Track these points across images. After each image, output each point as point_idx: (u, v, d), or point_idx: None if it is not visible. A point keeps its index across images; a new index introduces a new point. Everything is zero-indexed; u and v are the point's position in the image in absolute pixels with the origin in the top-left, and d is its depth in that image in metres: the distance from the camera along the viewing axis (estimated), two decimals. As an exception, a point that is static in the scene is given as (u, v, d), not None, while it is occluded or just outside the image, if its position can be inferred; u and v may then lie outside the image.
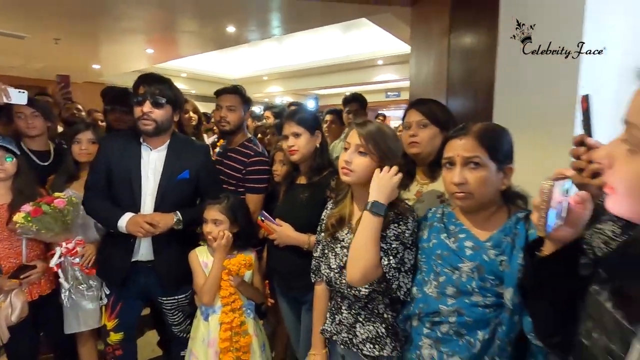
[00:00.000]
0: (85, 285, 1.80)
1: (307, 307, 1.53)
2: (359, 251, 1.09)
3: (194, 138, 2.28)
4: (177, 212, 1.62)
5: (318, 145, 1.62)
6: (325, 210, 1.39)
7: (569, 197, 0.64)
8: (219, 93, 2.07)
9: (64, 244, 1.73)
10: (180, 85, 1.70)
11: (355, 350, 1.18)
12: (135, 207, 1.60)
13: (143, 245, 1.64)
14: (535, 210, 0.63)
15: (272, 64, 10.03)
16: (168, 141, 1.67)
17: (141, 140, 1.65)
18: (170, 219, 1.60)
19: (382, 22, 4.46)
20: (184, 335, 1.80)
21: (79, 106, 3.28)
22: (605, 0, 1.28)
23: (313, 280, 1.36)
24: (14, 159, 1.71)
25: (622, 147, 0.50)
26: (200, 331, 1.62)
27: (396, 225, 1.13)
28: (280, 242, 1.56)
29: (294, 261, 1.54)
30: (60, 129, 2.86)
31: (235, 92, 2.03)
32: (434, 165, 1.31)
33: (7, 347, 1.70)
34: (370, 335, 1.17)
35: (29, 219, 1.61)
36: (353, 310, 1.21)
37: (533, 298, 0.74)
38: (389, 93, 11.44)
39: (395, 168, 1.12)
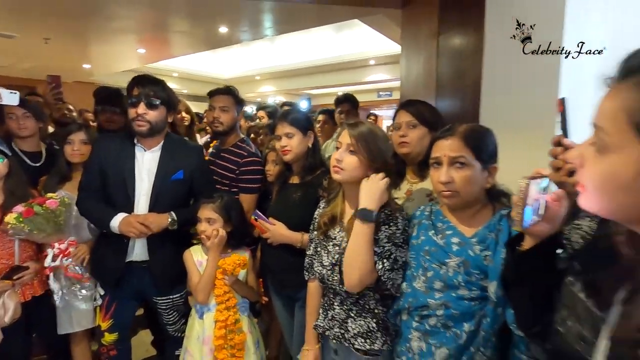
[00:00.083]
0: (78, 285, 1.80)
1: (300, 304, 1.56)
2: (354, 258, 1.12)
3: (186, 138, 2.30)
4: (172, 212, 1.64)
5: (310, 145, 1.65)
6: (318, 209, 1.41)
7: (546, 195, 0.68)
8: (211, 94, 2.09)
9: (56, 244, 1.72)
10: (172, 84, 1.71)
11: (347, 344, 1.22)
12: (130, 208, 1.61)
13: (137, 245, 1.65)
14: (514, 207, 0.67)
15: (264, 63, 10.02)
16: (162, 142, 1.69)
17: (135, 141, 1.66)
18: (165, 220, 1.61)
19: (374, 23, 4.50)
20: (179, 334, 1.81)
21: (70, 106, 3.26)
22: (586, 4, 1.33)
23: (306, 278, 1.39)
24: (5, 159, 1.71)
25: (591, 149, 0.53)
26: (195, 329, 1.63)
27: (387, 227, 1.17)
28: (274, 241, 1.58)
29: (287, 259, 1.57)
30: (50, 129, 2.84)
31: (228, 93, 2.05)
32: (424, 165, 1.35)
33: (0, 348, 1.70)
34: (362, 330, 1.20)
35: (21, 219, 1.60)
36: (345, 306, 1.24)
37: (514, 290, 0.78)
38: (381, 93, 11.49)
39: (382, 174, 1.15)
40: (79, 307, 1.82)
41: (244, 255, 1.65)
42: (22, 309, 1.67)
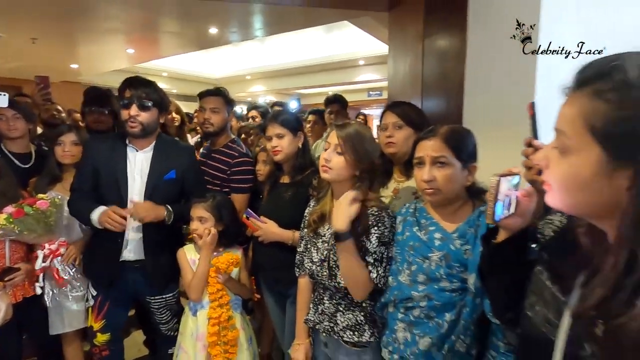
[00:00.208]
0: (68, 286, 1.81)
1: (291, 300, 1.60)
2: (351, 274, 1.19)
3: (177, 139, 2.31)
4: (167, 205, 1.66)
5: (300, 145, 1.69)
6: (308, 208, 1.46)
7: (516, 191, 0.74)
8: (202, 95, 2.11)
9: (47, 245, 1.73)
10: (161, 84, 1.73)
11: (336, 337, 1.27)
12: (123, 208, 1.62)
13: (130, 244, 1.67)
14: (487, 202, 0.72)
15: (254, 63, 10.01)
16: (154, 142, 1.71)
17: (127, 141, 1.68)
18: (162, 211, 1.63)
19: (363, 24, 4.56)
20: (172, 333, 1.83)
21: (59, 107, 3.24)
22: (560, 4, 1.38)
23: (297, 274, 1.43)
24: None
25: (555, 151, 0.58)
26: (189, 326, 1.66)
27: (376, 228, 1.21)
28: (265, 239, 1.62)
29: (279, 257, 1.60)
30: (39, 130, 2.83)
31: (218, 94, 2.07)
32: (410, 164, 1.40)
33: (-9, 349, 1.70)
34: (350, 323, 1.25)
35: (11, 220, 1.61)
36: (334, 301, 1.29)
37: (489, 280, 0.83)
38: (371, 92, 11.58)
39: (351, 194, 1.20)
40: (70, 308, 1.83)
41: (236, 254, 1.69)
42: (13, 310, 1.67)
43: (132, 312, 2.39)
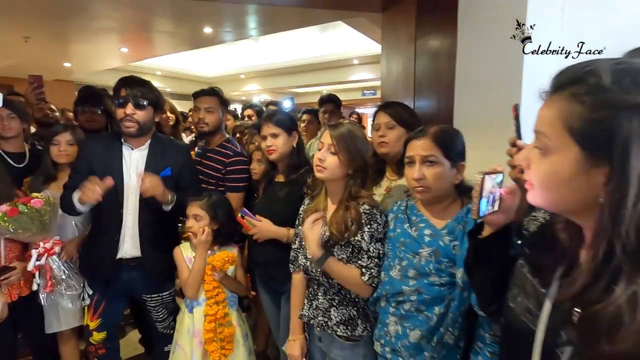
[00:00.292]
0: (64, 284, 1.82)
1: (286, 296, 1.63)
2: (346, 283, 1.26)
3: (172, 137, 2.32)
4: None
5: (295, 145, 1.72)
6: (303, 205, 1.49)
7: (500, 188, 0.77)
8: (196, 95, 2.12)
9: (41, 244, 1.73)
10: (155, 83, 1.74)
11: (330, 332, 1.30)
12: (119, 206, 1.65)
13: (127, 242, 1.68)
14: (472, 199, 0.76)
15: (249, 62, 10.01)
16: (149, 141, 1.72)
17: (122, 140, 1.70)
18: (167, 192, 1.62)
19: (357, 24, 4.59)
20: (168, 331, 1.84)
21: (52, 106, 3.23)
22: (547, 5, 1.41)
23: (291, 270, 1.46)
24: None
25: (535, 151, 0.61)
26: (186, 323, 1.68)
27: (369, 226, 1.25)
28: (261, 237, 1.64)
29: (274, 254, 1.63)
30: (32, 129, 2.82)
31: (213, 94, 2.08)
32: (402, 163, 1.43)
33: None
34: (344, 318, 1.29)
35: (5, 218, 1.61)
36: (328, 296, 1.32)
37: (474, 273, 0.87)
38: (365, 91, 11.63)
39: (309, 220, 1.27)
40: (66, 306, 1.84)
41: (232, 252, 1.71)
42: (9, 309, 1.67)
43: (127, 311, 2.40)
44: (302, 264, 1.38)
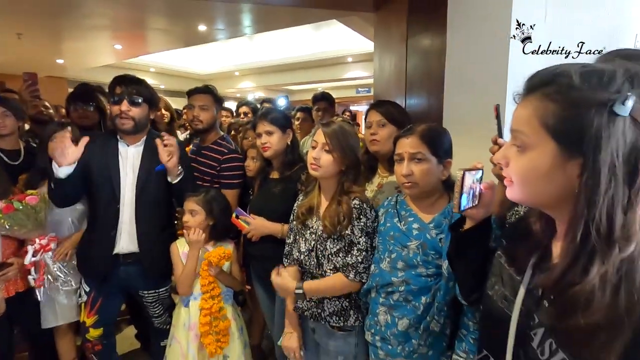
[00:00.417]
0: (60, 280, 1.83)
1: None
2: (334, 292, 1.33)
3: (167, 135, 2.34)
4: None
5: (289, 142, 1.76)
6: (297, 202, 1.53)
7: (480, 184, 0.82)
8: (190, 93, 2.14)
9: (37, 240, 1.75)
10: (148, 80, 1.76)
11: (323, 322, 1.35)
12: (116, 201, 1.67)
13: (124, 237, 1.70)
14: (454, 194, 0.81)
15: (243, 59, 9.99)
16: (144, 137, 1.75)
17: (118, 137, 1.72)
18: (177, 159, 1.66)
19: (350, 23, 4.62)
20: (164, 327, 1.87)
21: (47, 104, 3.23)
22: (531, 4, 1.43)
23: (285, 264, 1.50)
24: None
25: (513, 149, 0.65)
26: (182, 317, 1.72)
27: (358, 220, 1.30)
28: (256, 234, 1.68)
29: (269, 249, 1.67)
30: (26, 126, 2.82)
31: (207, 92, 2.10)
32: (393, 161, 1.48)
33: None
34: (336, 309, 1.34)
35: (1, 215, 1.63)
36: (321, 288, 1.37)
37: (456, 265, 0.92)
38: (360, 89, 11.66)
39: (274, 272, 1.40)
40: (62, 301, 1.85)
41: (228, 249, 1.74)
42: (5, 305, 1.69)
43: (122, 307, 2.42)
44: (296, 257, 1.43)
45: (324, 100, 3.20)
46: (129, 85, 1.66)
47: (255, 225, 1.67)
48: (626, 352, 0.51)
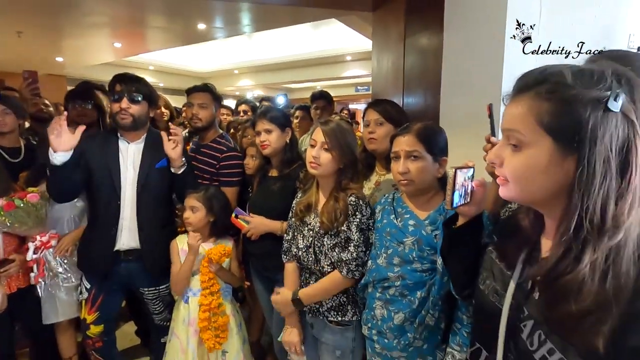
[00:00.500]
0: (60, 276, 1.85)
1: (278, 285, 1.69)
2: (330, 293, 1.36)
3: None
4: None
5: (288, 140, 1.78)
6: (296, 199, 1.55)
7: (471, 182, 0.84)
8: (189, 91, 2.15)
9: (38, 237, 1.77)
10: (147, 78, 1.78)
11: (321, 317, 1.38)
12: (117, 198, 1.68)
13: (124, 234, 1.71)
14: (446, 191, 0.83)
15: (242, 57, 9.97)
16: (145, 135, 1.77)
17: (119, 135, 1.74)
18: (181, 153, 1.72)
19: (349, 22, 4.63)
20: (164, 323, 1.89)
21: (47, 101, 3.24)
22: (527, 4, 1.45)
23: (284, 260, 1.52)
24: None
25: (507, 148, 0.66)
26: (181, 313, 1.74)
27: (354, 216, 1.32)
28: (256, 232, 1.70)
29: (268, 245, 1.69)
30: (26, 124, 2.83)
31: (206, 90, 2.11)
32: (390, 158, 1.51)
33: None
34: (334, 304, 1.36)
35: (2, 213, 1.65)
36: (319, 284, 1.39)
37: (449, 260, 0.94)
38: (359, 87, 11.64)
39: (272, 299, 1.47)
40: (63, 298, 1.87)
41: (228, 246, 1.76)
42: (7, 301, 1.71)
43: (123, 303, 2.44)
44: (295, 253, 1.45)
45: (323, 98, 3.22)
46: (129, 83, 1.68)
47: (254, 223, 1.69)
48: (614, 338, 0.54)
